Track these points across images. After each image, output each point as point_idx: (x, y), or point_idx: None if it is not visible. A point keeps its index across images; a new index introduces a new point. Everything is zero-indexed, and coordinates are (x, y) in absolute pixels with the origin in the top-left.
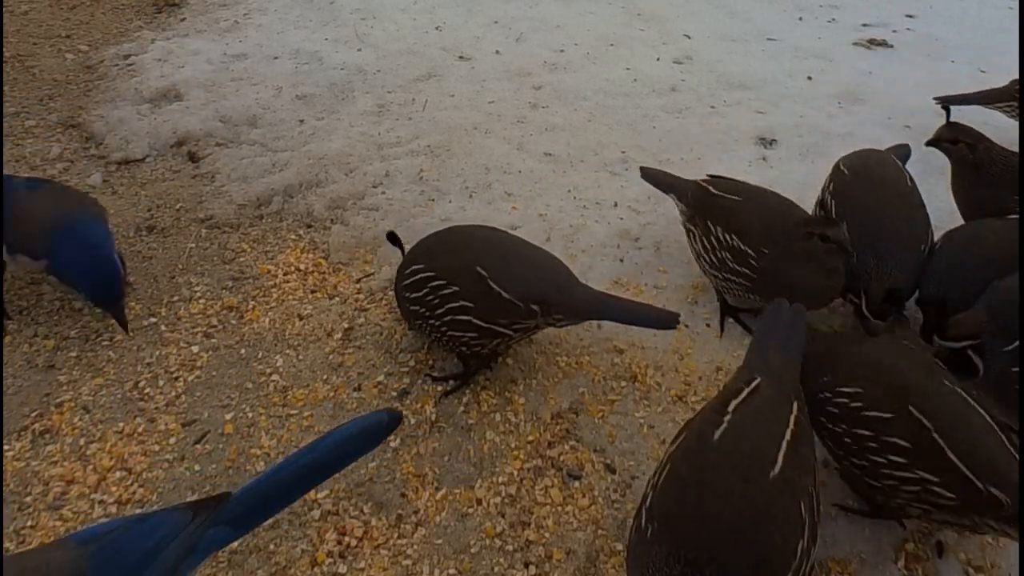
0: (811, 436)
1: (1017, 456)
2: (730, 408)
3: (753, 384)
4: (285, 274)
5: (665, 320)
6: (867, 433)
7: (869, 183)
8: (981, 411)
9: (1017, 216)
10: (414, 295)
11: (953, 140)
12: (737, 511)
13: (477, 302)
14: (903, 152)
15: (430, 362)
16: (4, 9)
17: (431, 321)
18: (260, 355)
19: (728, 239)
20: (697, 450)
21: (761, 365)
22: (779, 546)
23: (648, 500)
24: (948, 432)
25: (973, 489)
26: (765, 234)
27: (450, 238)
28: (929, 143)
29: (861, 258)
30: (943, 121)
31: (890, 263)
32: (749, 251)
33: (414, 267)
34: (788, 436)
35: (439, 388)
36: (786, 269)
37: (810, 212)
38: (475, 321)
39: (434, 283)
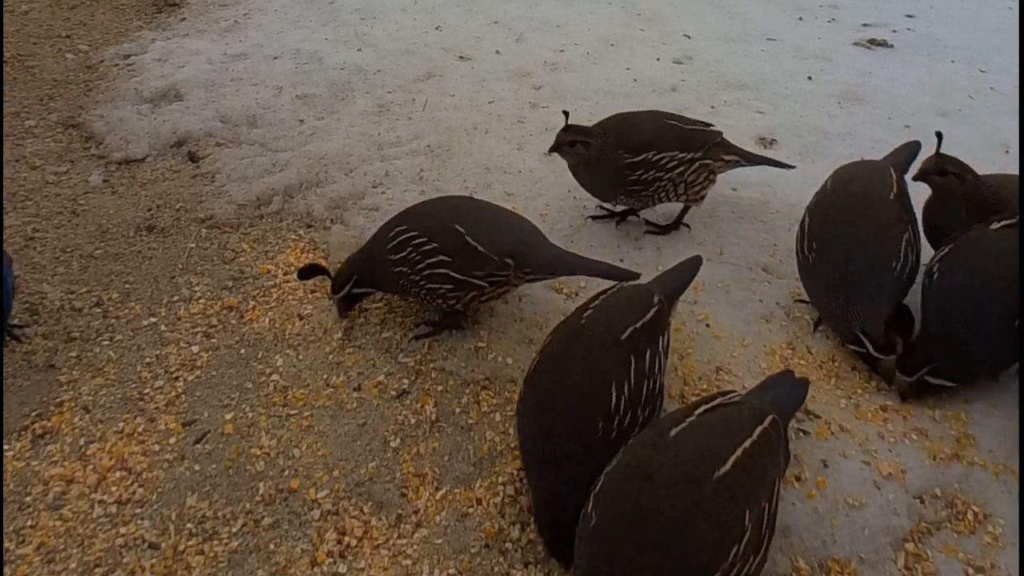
0: (779, 453)
1: None
2: (696, 412)
3: (729, 396)
4: (285, 274)
5: (624, 275)
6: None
7: (839, 206)
8: None
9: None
10: (397, 256)
11: (942, 172)
12: (674, 508)
13: (455, 256)
14: (909, 152)
15: (430, 361)
16: (4, 9)
17: (412, 277)
18: (260, 355)
19: None
20: (650, 444)
21: (747, 394)
22: (708, 545)
23: (598, 486)
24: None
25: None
26: None
27: (431, 205)
28: (916, 177)
29: (830, 294)
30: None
31: (861, 296)
32: None
33: (397, 229)
34: (747, 444)
35: (421, 329)
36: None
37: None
38: (452, 274)
39: (416, 241)
